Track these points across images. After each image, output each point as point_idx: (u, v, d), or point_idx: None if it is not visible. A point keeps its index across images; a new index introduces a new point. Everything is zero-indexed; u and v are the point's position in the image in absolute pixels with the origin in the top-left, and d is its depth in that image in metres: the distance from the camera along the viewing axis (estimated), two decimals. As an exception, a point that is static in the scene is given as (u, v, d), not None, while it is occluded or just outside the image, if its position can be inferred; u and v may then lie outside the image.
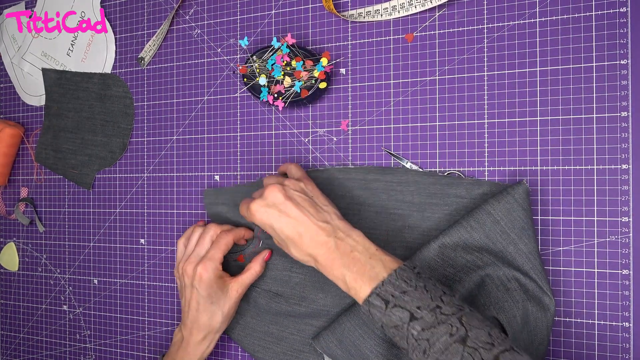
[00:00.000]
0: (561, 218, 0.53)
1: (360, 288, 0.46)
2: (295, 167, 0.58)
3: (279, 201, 0.51)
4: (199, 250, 0.59)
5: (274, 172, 0.64)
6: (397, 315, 0.43)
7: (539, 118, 0.54)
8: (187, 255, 0.60)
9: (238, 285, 0.59)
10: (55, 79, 0.77)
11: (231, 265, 0.65)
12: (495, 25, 0.55)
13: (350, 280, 0.47)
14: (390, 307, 0.43)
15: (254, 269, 0.60)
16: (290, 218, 0.50)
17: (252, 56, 0.62)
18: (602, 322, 0.52)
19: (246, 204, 0.54)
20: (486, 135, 0.56)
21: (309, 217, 0.50)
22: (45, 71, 0.78)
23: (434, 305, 0.42)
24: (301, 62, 0.59)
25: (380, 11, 0.59)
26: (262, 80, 0.60)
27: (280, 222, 0.50)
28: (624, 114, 0.51)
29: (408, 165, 0.58)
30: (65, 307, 0.78)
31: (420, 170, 0.58)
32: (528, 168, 0.54)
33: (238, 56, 0.66)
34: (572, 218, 0.53)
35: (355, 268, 0.47)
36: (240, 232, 0.61)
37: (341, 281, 0.48)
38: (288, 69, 0.60)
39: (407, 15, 0.58)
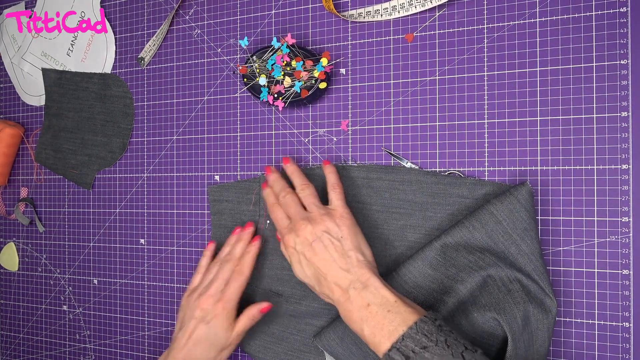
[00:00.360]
0: (561, 218, 0.53)
1: (380, 342, 0.45)
2: (332, 173, 0.57)
3: (306, 244, 0.51)
4: (218, 286, 0.59)
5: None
6: None
7: (539, 118, 0.54)
8: (205, 287, 0.59)
9: (242, 330, 0.59)
10: (55, 79, 0.77)
11: (231, 265, 0.65)
12: (495, 25, 0.55)
13: (368, 335, 0.46)
14: None
15: (253, 314, 0.59)
16: (313, 263, 0.51)
17: (252, 56, 0.62)
18: (602, 322, 0.52)
19: (279, 228, 0.55)
20: (486, 135, 0.56)
21: (330, 265, 0.50)
22: (45, 71, 0.78)
23: None
24: (301, 62, 0.59)
25: (380, 11, 0.59)
26: (262, 80, 0.60)
27: (305, 265, 0.52)
28: (624, 114, 0.51)
29: (408, 165, 0.58)
30: (65, 307, 0.78)
31: (423, 169, 0.58)
32: (528, 168, 0.54)
33: (238, 56, 0.66)
34: (572, 218, 0.53)
35: (373, 323, 0.46)
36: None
37: (359, 332, 0.47)
38: (288, 69, 0.60)
39: (407, 15, 0.58)
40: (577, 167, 0.53)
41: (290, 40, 0.59)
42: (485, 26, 0.56)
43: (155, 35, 0.69)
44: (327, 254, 0.50)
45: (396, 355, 0.43)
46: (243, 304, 0.60)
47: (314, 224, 0.52)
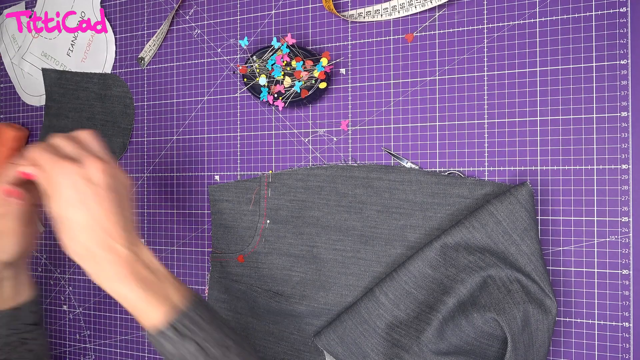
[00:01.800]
0: (561, 218, 0.53)
1: (151, 313, 0.42)
2: (91, 137, 0.48)
3: (90, 175, 0.44)
4: None
5: (272, 172, 0.64)
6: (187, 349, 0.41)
7: (539, 118, 0.54)
8: None
9: None
10: (55, 79, 0.77)
11: (231, 264, 0.65)
12: (495, 25, 0.55)
13: (142, 299, 0.42)
14: (187, 341, 0.41)
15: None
16: (87, 205, 0.43)
17: (252, 56, 0.62)
18: (602, 322, 0.52)
19: (41, 145, 0.46)
20: (486, 135, 0.56)
21: (113, 215, 0.43)
22: (45, 71, 0.78)
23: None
24: (301, 62, 0.59)
25: (380, 11, 0.59)
26: (262, 80, 0.60)
27: (74, 197, 0.43)
28: (624, 114, 0.51)
29: (408, 165, 0.58)
30: (65, 307, 0.78)
31: (423, 169, 0.58)
32: (528, 168, 0.54)
33: (238, 56, 0.66)
34: (572, 218, 0.53)
35: (155, 287, 0.42)
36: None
37: (125, 295, 0.42)
38: (288, 69, 0.60)
39: (407, 15, 0.58)
40: (577, 167, 0.53)
41: (290, 40, 0.59)
42: (485, 26, 0.56)
43: (155, 35, 0.69)
44: (110, 202, 0.44)
45: (171, 332, 0.41)
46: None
47: (104, 163, 0.45)
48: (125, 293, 0.42)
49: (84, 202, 0.43)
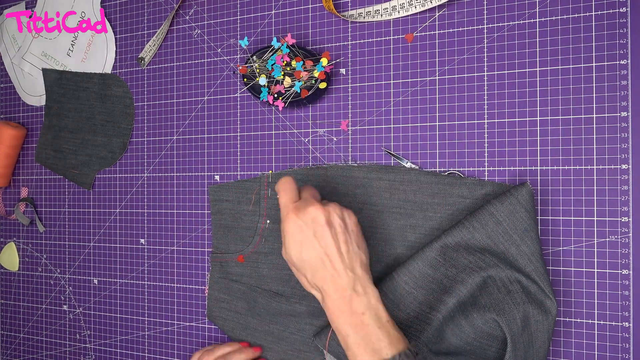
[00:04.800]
0: (561, 218, 0.53)
1: (360, 356, 0.44)
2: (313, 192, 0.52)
3: (318, 222, 0.47)
4: None
5: (272, 172, 0.64)
6: None
7: (539, 118, 0.54)
8: None
9: None
10: (55, 79, 0.77)
11: (231, 264, 0.65)
12: (495, 25, 0.55)
13: (352, 343, 0.45)
14: None
15: None
16: (320, 246, 0.47)
17: (252, 56, 0.62)
18: (602, 322, 0.52)
19: (286, 201, 0.49)
20: (486, 135, 0.56)
21: (339, 255, 0.46)
22: (45, 71, 0.78)
23: None
24: (301, 62, 0.59)
25: (380, 11, 0.59)
26: (262, 80, 0.60)
27: (309, 245, 0.47)
28: (624, 114, 0.51)
29: (408, 165, 0.58)
30: (65, 307, 0.78)
31: (423, 169, 0.58)
32: (528, 168, 0.54)
33: (238, 56, 0.66)
34: (572, 218, 0.53)
35: (362, 333, 0.45)
36: (250, 354, 0.62)
37: (342, 336, 0.46)
38: (288, 69, 0.60)
39: (407, 15, 0.58)
40: (577, 167, 0.53)
41: (290, 40, 0.59)
42: (485, 26, 0.56)
43: (155, 35, 0.69)
44: (336, 242, 0.46)
45: None
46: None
47: (328, 206, 0.48)
48: (339, 330, 0.47)
49: (314, 251, 0.48)
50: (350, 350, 0.45)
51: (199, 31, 0.69)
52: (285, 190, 0.50)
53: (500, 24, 0.55)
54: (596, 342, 0.52)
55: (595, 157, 0.52)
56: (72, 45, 0.76)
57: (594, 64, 0.52)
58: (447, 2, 0.57)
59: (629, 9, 0.51)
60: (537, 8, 0.54)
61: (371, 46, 0.60)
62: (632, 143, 0.51)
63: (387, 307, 0.53)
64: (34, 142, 0.80)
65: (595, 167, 0.52)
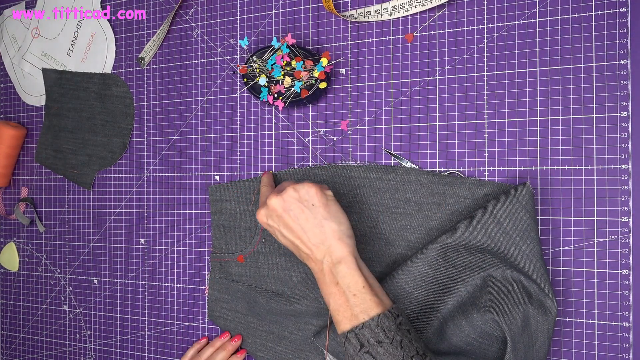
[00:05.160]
0: (561, 218, 0.53)
1: (340, 321, 0.47)
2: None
3: (277, 212, 0.51)
4: None
5: (272, 172, 0.64)
6: None
7: (539, 118, 0.54)
8: None
9: None
10: (55, 79, 0.77)
11: (231, 264, 0.65)
12: (495, 25, 0.55)
13: (332, 309, 0.48)
14: (364, 352, 0.44)
15: None
16: (288, 231, 0.51)
17: (252, 56, 0.62)
18: (602, 322, 0.52)
19: (260, 202, 0.56)
20: (486, 135, 0.56)
21: (304, 234, 0.50)
22: (45, 71, 0.78)
23: None
24: (301, 62, 0.59)
25: (380, 11, 0.59)
26: (262, 80, 0.60)
27: (279, 235, 0.52)
28: (624, 114, 0.51)
29: (408, 165, 0.58)
30: (65, 307, 0.78)
31: (423, 169, 0.58)
32: (528, 168, 0.54)
33: (238, 56, 0.66)
34: (572, 218, 0.53)
35: (339, 301, 0.47)
36: (230, 348, 0.65)
37: (326, 303, 0.49)
38: (288, 69, 0.60)
39: (407, 15, 0.58)
40: (577, 167, 0.53)
41: (290, 40, 0.59)
42: (485, 26, 0.56)
43: (155, 35, 0.69)
44: (299, 223, 0.50)
45: (353, 339, 0.45)
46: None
47: (283, 194, 0.51)
48: (323, 296, 0.50)
49: (285, 235, 0.53)
50: (333, 317, 0.48)
51: (199, 31, 0.69)
52: (261, 191, 0.58)
53: (500, 24, 0.55)
54: (596, 342, 0.52)
55: (595, 157, 0.52)
56: (72, 45, 0.76)
57: (594, 64, 0.52)
58: (447, 2, 0.57)
59: (629, 9, 0.51)
60: (537, 8, 0.54)
61: (371, 46, 0.60)
62: (632, 143, 0.51)
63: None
64: (34, 142, 0.80)
65: (595, 167, 0.52)
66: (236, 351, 0.66)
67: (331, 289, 0.48)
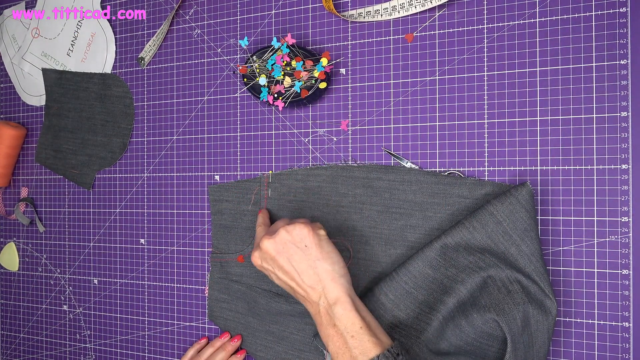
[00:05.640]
0: (561, 218, 0.53)
1: None
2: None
3: (270, 255, 0.51)
4: None
5: (272, 172, 0.64)
6: None
7: (539, 118, 0.54)
8: None
9: None
10: (55, 79, 0.77)
11: (231, 264, 0.65)
12: (495, 25, 0.55)
13: (332, 352, 0.48)
14: None
15: None
16: (282, 274, 0.51)
17: (252, 56, 0.62)
18: (602, 322, 0.52)
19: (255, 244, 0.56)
20: (486, 135, 0.56)
21: (299, 275, 0.49)
22: (45, 71, 0.78)
23: None
24: (301, 62, 0.59)
25: (380, 11, 0.59)
26: (262, 80, 0.60)
27: (275, 277, 0.52)
28: (624, 114, 0.51)
29: (408, 165, 0.58)
30: (65, 307, 0.78)
31: (423, 169, 0.58)
32: (528, 168, 0.54)
33: (238, 56, 0.66)
34: (572, 218, 0.53)
35: (337, 344, 0.47)
36: (230, 348, 0.65)
37: (326, 345, 0.49)
38: (288, 69, 0.60)
39: (407, 15, 0.58)
40: (577, 167, 0.53)
41: (290, 40, 0.59)
42: (485, 26, 0.56)
43: (155, 35, 0.69)
44: (292, 264, 0.50)
45: None
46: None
47: (275, 236, 0.51)
48: (324, 341, 0.49)
49: (280, 278, 0.53)
50: (334, 358, 0.48)
51: (199, 31, 0.69)
52: (256, 231, 0.58)
53: (500, 24, 0.55)
54: (596, 342, 0.52)
55: (595, 157, 0.52)
56: (72, 45, 0.76)
57: (594, 64, 0.52)
58: (447, 2, 0.57)
59: (629, 9, 0.51)
60: (537, 8, 0.54)
61: (371, 46, 0.60)
62: (632, 143, 0.51)
63: (386, 308, 0.53)
64: (34, 142, 0.80)
65: (595, 167, 0.52)
66: (236, 351, 0.66)
67: (329, 330, 0.48)
